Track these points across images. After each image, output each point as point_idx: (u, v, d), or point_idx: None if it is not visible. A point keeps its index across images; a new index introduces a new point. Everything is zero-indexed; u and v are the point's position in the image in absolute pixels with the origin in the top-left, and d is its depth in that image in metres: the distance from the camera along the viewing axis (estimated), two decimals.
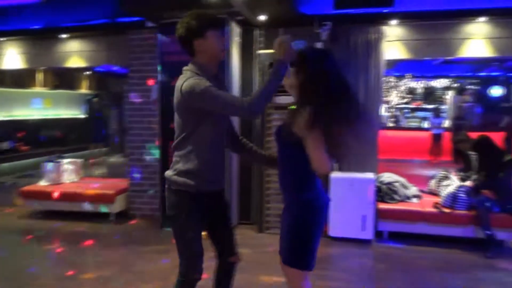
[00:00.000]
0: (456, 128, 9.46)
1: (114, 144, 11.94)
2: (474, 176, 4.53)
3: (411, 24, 4.82)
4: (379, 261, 4.13)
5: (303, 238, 2.06)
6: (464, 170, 4.91)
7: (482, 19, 4.60)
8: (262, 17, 4.67)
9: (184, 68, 2.18)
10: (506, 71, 11.61)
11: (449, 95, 12.46)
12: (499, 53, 4.78)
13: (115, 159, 11.21)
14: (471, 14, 4.55)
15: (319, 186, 2.14)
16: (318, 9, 4.80)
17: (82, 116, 11.99)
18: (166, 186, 2.24)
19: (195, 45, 2.12)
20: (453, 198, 4.43)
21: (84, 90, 11.42)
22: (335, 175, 4.62)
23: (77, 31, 5.84)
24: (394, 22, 4.81)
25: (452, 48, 4.81)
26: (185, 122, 2.15)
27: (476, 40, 4.71)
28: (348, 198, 4.53)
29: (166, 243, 4.39)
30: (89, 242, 4.59)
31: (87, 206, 5.38)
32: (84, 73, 11.07)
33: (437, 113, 10.59)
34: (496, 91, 12.48)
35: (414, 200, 4.79)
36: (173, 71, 4.70)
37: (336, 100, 1.98)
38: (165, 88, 4.88)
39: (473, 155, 4.61)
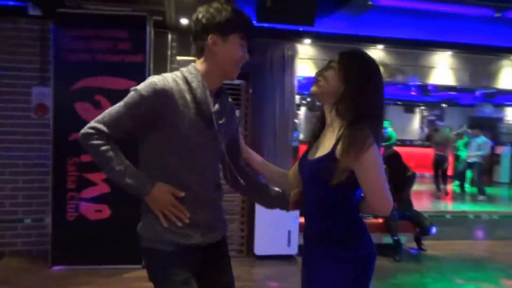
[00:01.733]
0: None
1: None
2: None
3: (321, 45, 5.10)
4: None
5: None
6: None
7: (380, 46, 5.17)
8: (184, 21, 4.26)
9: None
10: None
11: (301, 111, 13.68)
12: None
13: None
14: (373, 40, 5.06)
15: (368, 234, 1.63)
16: None
17: None
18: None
19: (208, 42, 1.58)
20: None
21: None
22: None
23: None
24: (307, 41, 5.00)
25: None
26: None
27: None
28: (273, 214, 4.42)
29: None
30: None
31: None
32: None
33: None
34: None
35: None
36: (72, 73, 3.97)
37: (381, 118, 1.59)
38: (61, 93, 3.97)
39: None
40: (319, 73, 1.59)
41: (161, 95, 1.53)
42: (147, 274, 1.67)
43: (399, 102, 14.57)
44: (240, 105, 4.43)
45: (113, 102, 4.04)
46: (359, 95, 1.50)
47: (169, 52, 4.62)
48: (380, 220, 4.78)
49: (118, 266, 3.98)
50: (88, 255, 3.98)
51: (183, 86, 1.58)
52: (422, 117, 15.84)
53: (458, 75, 5.61)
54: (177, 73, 1.63)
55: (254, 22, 4.37)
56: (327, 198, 1.55)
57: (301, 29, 4.76)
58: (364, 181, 1.47)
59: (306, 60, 5.11)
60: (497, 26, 5.07)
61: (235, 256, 4.45)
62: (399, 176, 4.79)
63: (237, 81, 4.44)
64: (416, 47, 5.21)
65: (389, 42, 5.12)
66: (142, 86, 1.56)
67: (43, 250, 4.15)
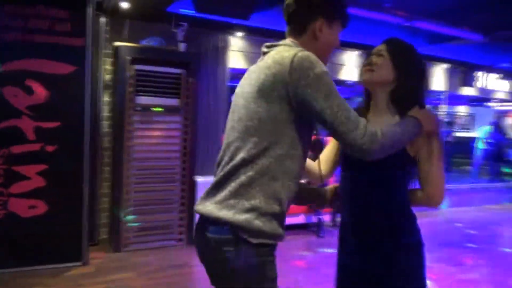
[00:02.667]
0: None
1: None
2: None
3: (253, 38, 5.31)
4: None
5: None
6: None
7: None
8: (125, 4, 4.07)
9: (279, 43, 1.50)
10: None
11: None
12: None
13: None
14: None
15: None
16: (176, 7, 4.59)
17: None
18: (221, 238, 1.35)
19: (316, 25, 1.48)
20: None
21: None
22: (200, 179, 4.57)
23: None
24: (239, 34, 5.16)
25: None
26: (271, 120, 1.36)
27: None
28: None
29: None
30: None
31: None
32: None
33: None
34: None
35: None
36: (11, 52, 3.51)
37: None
38: None
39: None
40: (370, 61, 1.60)
41: None
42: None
43: None
44: (180, 94, 4.42)
45: (48, 87, 3.77)
46: (415, 83, 1.57)
47: (102, 36, 4.36)
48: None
49: (57, 265, 3.71)
50: (23, 256, 3.63)
51: None
52: None
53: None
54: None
55: (192, 12, 4.42)
56: (392, 192, 1.55)
57: (234, 22, 4.90)
58: (430, 169, 1.50)
59: (237, 52, 5.27)
60: (402, 33, 5.95)
61: (176, 245, 4.50)
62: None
63: (177, 70, 4.41)
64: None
65: None
66: (318, 66, 1.33)
67: None
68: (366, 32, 5.54)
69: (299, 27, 1.50)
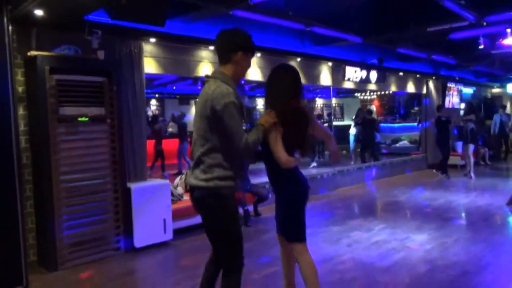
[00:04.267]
0: None
1: None
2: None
3: (166, 44, 5.43)
4: (186, 255, 4.62)
5: None
6: None
7: (211, 47, 5.87)
8: (39, 12, 3.87)
9: (210, 75, 2.47)
10: None
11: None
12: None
13: None
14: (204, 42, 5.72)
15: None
16: (90, 15, 4.48)
17: None
18: (202, 194, 2.38)
19: (237, 56, 2.41)
20: None
21: None
22: (134, 185, 4.59)
23: None
24: (153, 40, 5.24)
25: (190, 69, 5.84)
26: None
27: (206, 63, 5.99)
28: (150, 206, 4.64)
29: None
30: None
31: None
32: None
33: None
34: None
35: (185, 197, 5.45)
36: None
37: None
38: None
39: None
40: None
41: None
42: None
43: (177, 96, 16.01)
44: (104, 102, 4.37)
45: None
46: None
47: (7, 46, 4.04)
48: None
49: None
50: None
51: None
52: None
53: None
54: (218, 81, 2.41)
55: (104, 19, 4.40)
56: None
57: (147, 28, 4.96)
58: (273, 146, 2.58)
59: (150, 58, 5.32)
60: (293, 36, 6.65)
61: (114, 255, 4.44)
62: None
63: (99, 78, 4.35)
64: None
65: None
66: (228, 97, 2.31)
67: None
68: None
69: (226, 58, 2.43)
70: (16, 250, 3.58)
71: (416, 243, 4.64)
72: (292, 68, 2.78)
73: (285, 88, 2.64)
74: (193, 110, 17.27)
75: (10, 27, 3.96)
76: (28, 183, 4.26)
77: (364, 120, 10.71)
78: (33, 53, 4.04)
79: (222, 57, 2.44)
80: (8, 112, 3.55)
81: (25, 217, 4.19)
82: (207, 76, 2.47)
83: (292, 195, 2.71)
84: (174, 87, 13.12)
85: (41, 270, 4.09)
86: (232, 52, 2.39)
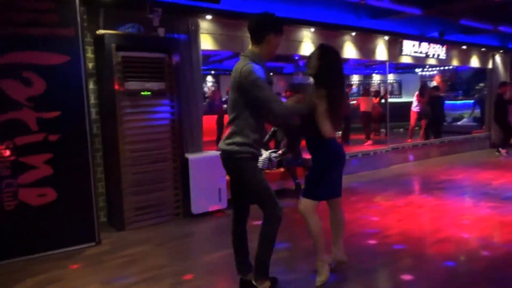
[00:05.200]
0: None
1: None
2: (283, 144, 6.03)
3: (221, 21, 5.60)
4: None
5: None
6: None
7: None
8: None
9: (243, 54, 2.79)
10: None
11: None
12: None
13: None
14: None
15: None
16: None
17: None
18: (224, 156, 2.79)
19: (269, 37, 2.71)
20: (269, 161, 5.71)
21: None
22: (191, 156, 4.89)
23: None
24: (209, 17, 5.43)
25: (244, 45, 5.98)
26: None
27: None
28: (206, 176, 4.93)
29: None
30: None
31: None
32: None
33: None
34: None
35: None
36: (1, 45, 3.57)
37: None
38: None
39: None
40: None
41: None
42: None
43: None
44: (164, 78, 4.65)
45: (44, 78, 3.85)
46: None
47: (79, 25, 4.41)
48: (282, 169, 5.81)
49: (70, 248, 3.89)
50: (36, 243, 3.76)
51: None
52: None
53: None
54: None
55: None
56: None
57: (203, 5, 5.13)
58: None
59: (207, 35, 5.53)
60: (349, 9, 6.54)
61: (174, 219, 4.80)
62: (292, 134, 5.86)
63: (161, 55, 4.63)
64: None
65: None
66: (254, 73, 2.61)
67: None
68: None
69: (259, 39, 2.73)
70: (90, 212, 4.01)
71: (470, 220, 4.56)
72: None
73: (340, 72, 3.04)
74: None
75: (81, 8, 4.34)
76: (98, 151, 4.69)
77: (431, 96, 10.19)
78: (101, 31, 4.38)
79: (256, 37, 2.75)
80: (81, 87, 3.92)
81: (96, 182, 4.65)
82: (241, 54, 2.81)
83: (323, 159, 3.04)
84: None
85: (110, 230, 4.53)
86: (265, 33, 2.70)
